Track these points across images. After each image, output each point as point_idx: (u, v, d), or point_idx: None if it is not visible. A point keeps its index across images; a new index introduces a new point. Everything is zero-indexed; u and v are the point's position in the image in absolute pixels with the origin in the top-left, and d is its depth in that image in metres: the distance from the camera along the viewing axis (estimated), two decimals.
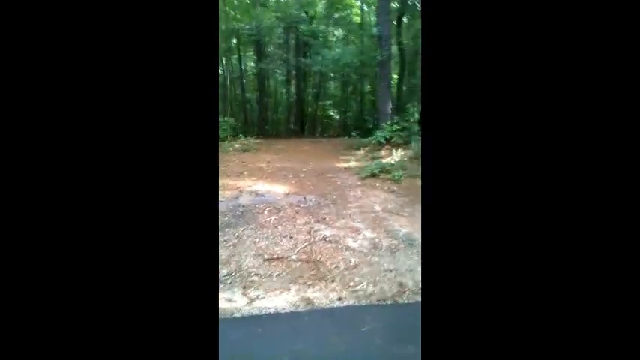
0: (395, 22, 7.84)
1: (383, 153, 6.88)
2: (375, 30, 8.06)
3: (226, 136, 8.39)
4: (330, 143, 8.92)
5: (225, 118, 8.59)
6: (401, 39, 10.66)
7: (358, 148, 7.62)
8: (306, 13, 12.56)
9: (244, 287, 2.86)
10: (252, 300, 2.70)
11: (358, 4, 15.32)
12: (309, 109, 15.10)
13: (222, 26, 11.55)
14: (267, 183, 5.38)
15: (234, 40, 12.58)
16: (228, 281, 2.94)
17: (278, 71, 14.30)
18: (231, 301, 2.69)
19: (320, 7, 14.02)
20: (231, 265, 3.15)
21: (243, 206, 4.41)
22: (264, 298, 2.73)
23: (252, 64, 14.03)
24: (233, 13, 11.57)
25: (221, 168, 6.22)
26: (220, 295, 2.76)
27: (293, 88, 14.71)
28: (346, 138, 9.31)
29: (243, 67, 13.75)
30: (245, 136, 8.42)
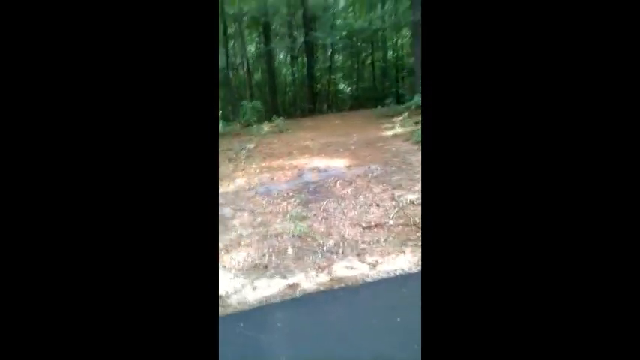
0: None
1: (419, 118, 6.81)
2: None
3: (254, 120, 8.34)
4: (358, 115, 8.84)
5: (251, 103, 8.49)
6: None
7: (394, 115, 7.55)
8: None
9: (358, 255, 2.90)
10: (373, 265, 2.74)
11: None
12: (318, 85, 14.88)
13: (229, 11, 11.29)
14: (323, 159, 5.37)
15: (240, 24, 12.30)
16: (340, 251, 2.98)
17: (286, 50, 14.03)
18: (353, 268, 2.73)
19: None
20: (335, 236, 3.18)
21: (312, 183, 4.42)
22: (383, 262, 2.77)
23: (260, 46, 13.78)
24: None
25: (267, 150, 6.22)
26: (339, 264, 2.81)
27: (298, 66, 14.48)
28: (379, 107, 9.21)
29: (253, 50, 13.51)
30: (271, 119, 8.35)
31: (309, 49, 13.57)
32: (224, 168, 5.42)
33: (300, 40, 13.29)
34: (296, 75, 14.77)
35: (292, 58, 14.59)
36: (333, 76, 15.25)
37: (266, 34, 12.88)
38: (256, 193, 4.31)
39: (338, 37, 13.24)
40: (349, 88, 15.76)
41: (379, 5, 14.30)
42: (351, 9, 15.22)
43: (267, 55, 12.92)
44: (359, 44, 14.93)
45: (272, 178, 4.73)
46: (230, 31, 12.35)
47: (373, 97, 14.21)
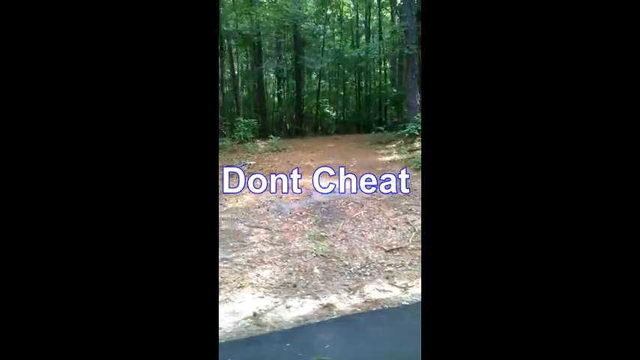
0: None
1: (417, 145, 7.06)
2: (396, 24, 8.16)
3: (249, 137, 8.30)
4: (350, 139, 9.00)
5: (247, 121, 8.47)
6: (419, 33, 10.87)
7: (387, 142, 7.76)
8: (303, 10, 12.57)
9: (387, 278, 2.93)
10: (404, 288, 2.78)
11: (349, 1, 15.49)
12: (305, 108, 15.09)
13: (222, 27, 11.37)
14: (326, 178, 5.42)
15: (230, 42, 12.39)
16: (367, 273, 3.01)
17: (275, 71, 14.21)
18: (385, 291, 2.75)
19: (310, 5, 14.06)
20: (359, 258, 3.21)
21: (323, 203, 4.44)
22: (413, 285, 2.82)
23: (247, 65, 13.89)
24: (234, 13, 11.37)
25: (269, 167, 6.20)
26: (370, 286, 2.82)
27: (285, 88, 14.67)
28: (372, 133, 9.43)
29: (244, 68, 13.58)
30: (267, 137, 8.36)
31: (298, 72, 13.81)
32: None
33: (289, 62, 13.51)
34: (283, 96, 14.91)
35: (280, 79, 14.76)
36: (319, 100, 15.51)
37: (257, 53, 13.02)
38: (268, 210, 4.27)
39: (326, 64, 13.57)
40: (334, 113, 16.06)
41: (364, 36, 14.91)
42: (338, 37, 15.75)
43: (258, 75, 13.02)
44: (345, 71, 15.39)
45: (280, 196, 4.72)
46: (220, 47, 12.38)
47: (357, 123, 14.58)
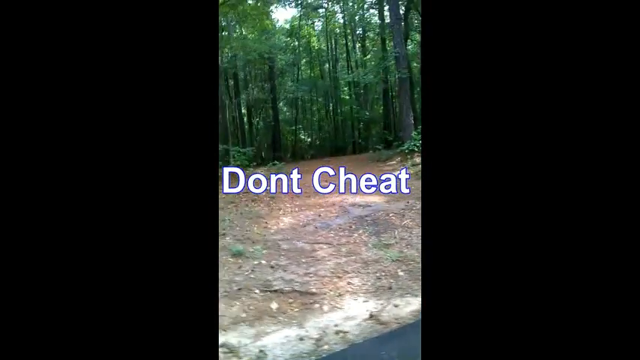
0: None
1: (418, 160, 7.51)
2: (388, 50, 8.73)
3: (246, 164, 8.41)
4: (351, 159, 9.36)
5: (243, 149, 8.60)
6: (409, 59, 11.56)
7: (387, 159, 8.16)
8: (278, 42, 13.07)
9: None
10: None
11: (315, 32, 16.26)
12: (281, 134, 15.38)
13: None
14: (354, 196, 5.62)
15: None
16: None
17: (252, 101, 14.43)
18: None
19: (280, 38, 14.62)
20: None
21: (365, 216, 4.63)
22: None
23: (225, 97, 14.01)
24: None
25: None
26: None
27: (260, 117, 14.93)
28: (371, 152, 9.85)
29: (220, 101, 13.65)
30: (273, 163, 8.50)
31: (274, 100, 14.15)
32: (255, 208, 5.39)
33: (266, 92, 13.82)
34: (260, 125, 15.11)
35: (256, 108, 14.99)
36: (293, 127, 15.87)
37: (234, 85, 13.23)
38: (316, 227, 4.38)
39: (301, 92, 14.04)
40: (309, 139, 16.46)
41: (328, 65, 15.67)
42: (305, 66, 16.39)
43: (237, 105, 13.18)
44: (318, 99, 15.98)
45: (319, 215, 4.84)
46: None
47: (332, 146, 15.04)
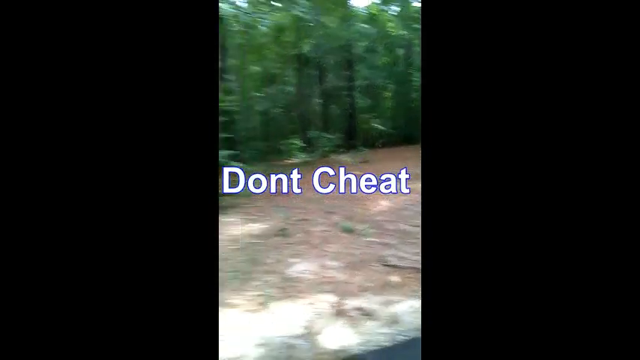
0: None
1: None
2: None
3: (332, 151, 8.91)
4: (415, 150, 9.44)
5: (330, 136, 9.15)
6: None
7: None
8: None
9: None
10: None
11: (392, 17, 16.11)
12: (357, 122, 15.64)
13: (285, 52, 12.13)
14: None
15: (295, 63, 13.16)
16: None
17: (332, 89, 14.85)
18: None
19: (358, 27, 14.74)
20: None
21: None
22: None
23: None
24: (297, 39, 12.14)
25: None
26: None
27: (336, 105, 15.32)
28: None
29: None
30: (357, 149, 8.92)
31: (351, 88, 14.40)
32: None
33: (346, 80, 14.12)
34: (337, 112, 15.49)
35: (334, 96, 15.38)
36: (368, 115, 16.00)
37: (320, 73, 13.73)
38: (413, 212, 4.68)
39: (377, 79, 14.11)
40: (383, 127, 16.50)
41: (406, 50, 15.47)
42: (384, 53, 16.32)
43: (319, 94, 13.68)
44: (392, 86, 15.92)
45: (412, 199, 5.12)
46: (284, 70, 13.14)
47: (405, 135, 14.95)
